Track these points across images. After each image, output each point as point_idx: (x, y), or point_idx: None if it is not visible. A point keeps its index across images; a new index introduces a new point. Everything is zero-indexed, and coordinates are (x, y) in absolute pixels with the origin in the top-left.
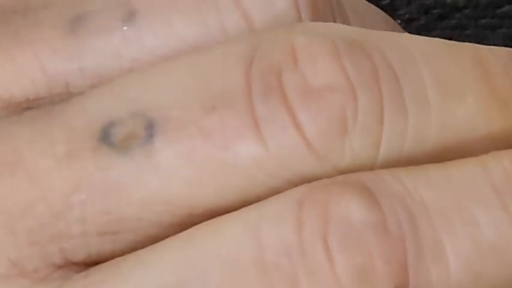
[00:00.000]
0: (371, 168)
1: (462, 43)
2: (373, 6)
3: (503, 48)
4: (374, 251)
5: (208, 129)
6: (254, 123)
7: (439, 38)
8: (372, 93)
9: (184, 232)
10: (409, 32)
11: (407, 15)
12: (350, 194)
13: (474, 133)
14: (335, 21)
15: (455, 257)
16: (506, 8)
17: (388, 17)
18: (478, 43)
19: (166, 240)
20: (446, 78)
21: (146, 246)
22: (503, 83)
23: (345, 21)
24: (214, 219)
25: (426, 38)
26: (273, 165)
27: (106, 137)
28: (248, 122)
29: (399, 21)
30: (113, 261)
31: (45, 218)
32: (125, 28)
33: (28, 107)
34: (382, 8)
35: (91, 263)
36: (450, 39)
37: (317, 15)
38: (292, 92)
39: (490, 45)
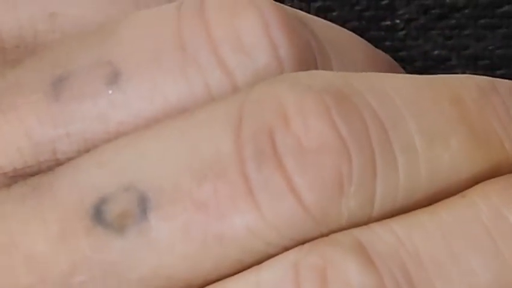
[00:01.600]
0: (366, 222)
1: (436, 79)
2: (357, 39)
3: (470, 79)
4: None
5: (202, 201)
6: (248, 191)
7: (439, 37)
8: (364, 150)
9: None
10: (409, 32)
11: (406, 15)
12: (345, 257)
13: (460, 174)
14: (317, 68)
15: None
16: (506, 8)
17: (371, 47)
18: (477, 43)
19: None
20: (429, 123)
21: None
22: (480, 121)
23: (328, 65)
24: (211, 286)
25: (405, 77)
26: (271, 234)
27: (98, 215)
28: (242, 191)
29: (398, 21)
30: None
31: None
32: (110, 92)
33: (15, 176)
34: (382, 8)
35: None
36: (450, 39)
37: (301, 66)
38: (286, 156)
39: (489, 45)
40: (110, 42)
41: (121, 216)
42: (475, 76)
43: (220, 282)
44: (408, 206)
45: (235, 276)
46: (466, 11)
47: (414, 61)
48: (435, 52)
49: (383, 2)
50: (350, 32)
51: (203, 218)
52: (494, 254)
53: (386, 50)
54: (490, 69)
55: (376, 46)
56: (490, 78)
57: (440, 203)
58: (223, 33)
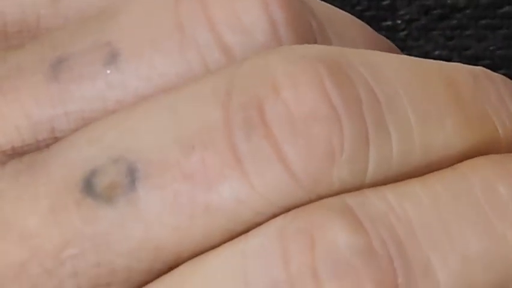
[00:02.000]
0: (358, 190)
1: (431, 62)
2: (357, 21)
3: (465, 66)
4: (363, 276)
5: (189, 172)
6: (236, 161)
7: (440, 38)
8: (357, 121)
9: (169, 274)
10: (410, 33)
11: (407, 16)
12: (333, 219)
13: (452, 151)
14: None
15: (444, 273)
16: (506, 9)
17: (371, 30)
18: (478, 43)
19: (152, 283)
20: (424, 103)
21: None
22: (474, 105)
23: (327, 44)
24: (198, 257)
25: (402, 57)
26: (260, 203)
27: (88, 187)
28: (230, 160)
29: (399, 21)
30: None
31: (38, 277)
32: (108, 71)
33: (13, 154)
34: (383, 8)
35: None
36: (451, 39)
37: (300, 43)
38: (276, 125)
39: (490, 45)
40: (110, 25)
41: (110, 187)
42: (469, 66)
43: (207, 253)
44: (400, 177)
45: (221, 246)
46: (467, 11)
47: None
48: (436, 52)
49: (384, 3)
50: (351, 15)
51: (191, 188)
52: (487, 226)
53: None
54: (491, 70)
55: None
56: (484, 68)
57: (432, 174)
58: (221, 13)
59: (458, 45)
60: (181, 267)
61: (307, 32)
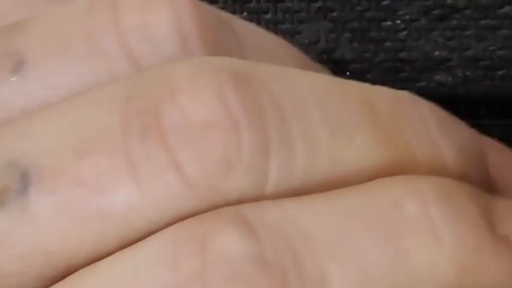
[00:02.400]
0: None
1: (349, 82)
2: (289, 46)
3: (387, 88)
4: (253, 285)
5: (81, 177)
6: (130, 166)
7: (440, 38)
8: (257, 130)
9: (62, 281)
10: (409, 33)
11: (407, 16)
12: (225, 226)
13: (363, 168)
14: None
15: (341, 285)
16: (506, 9)
17: (304, 56)
18: (478, 44)
19: None
20: (335, 118)
21: None
22: (388, 125)
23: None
24: (91, 265)
25: (316, 75)
26: (152, 210)
27: None
28: (123, 166)
29: (398, 21)
30: None
31: None
32: (13, 79)
33: None
34: (383, 8)
35: None
36: (451, 39)
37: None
38: (171, 130)
39: (490, 46)
40: (19, 36)
41: (3, 191)
42: (395, 90)
43: (100, 261)
44: (305, 190)
45: (112, 256)
46: (467, 11)
47: (414, 62)
48: (436, 53)
49: (384, 3)
50: (284, 41)
51: (83, 194)
52: (389, 242)
53: (386, 50)
54: (491, 70)
55: (376, 47)
56: (411, 93)
57: (338, 189)
58: (133, 24)
59: (458, 45)
60: (73, 275)
61: (221, 47)
